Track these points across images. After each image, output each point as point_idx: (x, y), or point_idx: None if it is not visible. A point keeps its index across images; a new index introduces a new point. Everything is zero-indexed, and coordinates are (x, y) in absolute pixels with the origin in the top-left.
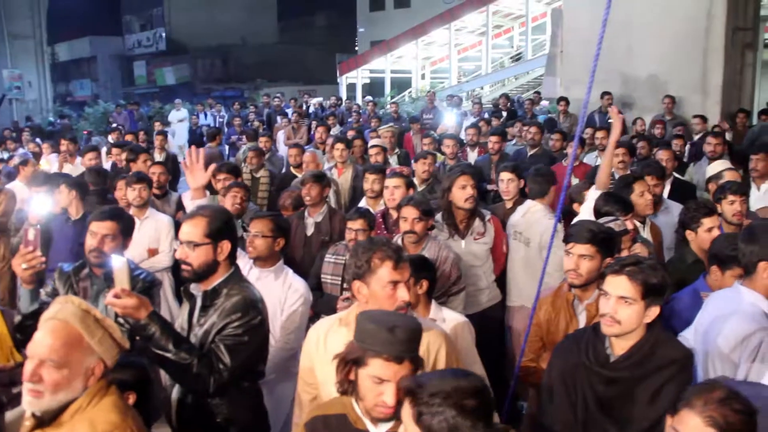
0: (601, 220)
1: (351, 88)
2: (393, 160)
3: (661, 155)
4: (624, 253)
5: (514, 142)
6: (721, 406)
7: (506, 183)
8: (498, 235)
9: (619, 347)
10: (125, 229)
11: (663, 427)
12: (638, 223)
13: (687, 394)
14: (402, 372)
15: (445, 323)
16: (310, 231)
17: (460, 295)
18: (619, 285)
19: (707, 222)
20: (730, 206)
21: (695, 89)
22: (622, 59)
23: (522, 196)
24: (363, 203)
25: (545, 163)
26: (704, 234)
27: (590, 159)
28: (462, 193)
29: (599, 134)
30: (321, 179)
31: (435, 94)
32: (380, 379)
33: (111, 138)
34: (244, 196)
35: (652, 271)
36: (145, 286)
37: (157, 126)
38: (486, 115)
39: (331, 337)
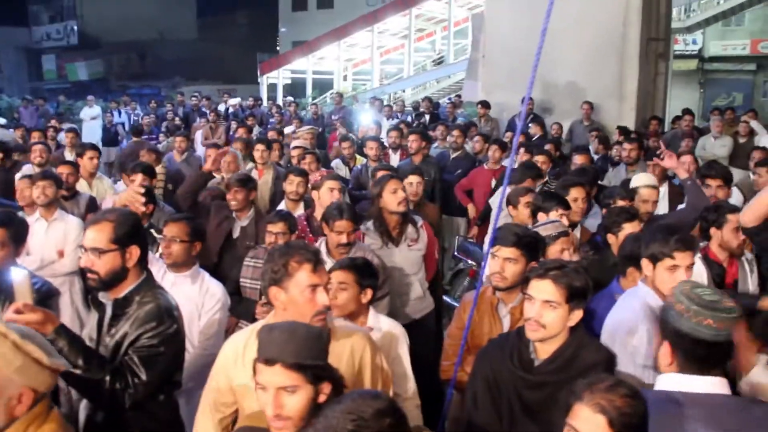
0: (539, 224)
1: (272, 88)
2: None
3: (577, 160)
4: (565, 255)
5: (436, 144)
6: (607, 393)
7: (415, 185)
8: (431, 242)
9: (543, 351)
10: (15, 235)
11: None
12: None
13: (577, 390)
14: (280, 378)
15: (382, 331)
16: (236, 234)
17: (384, 300)
18: (543, 289)
19: (628, 227)
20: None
21: (612, 96)
22: (543, 66)
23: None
24: (282, 206)
25: (467, 165)
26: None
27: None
28: (394, 197)
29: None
30: (246, 183)
31: (342, 96)
32: (261, 386)
33: (17, 134)
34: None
35: (576, 274)
36: (40, 297)
37: (54, 123)
38: (408, 118)
39: (249, 350)
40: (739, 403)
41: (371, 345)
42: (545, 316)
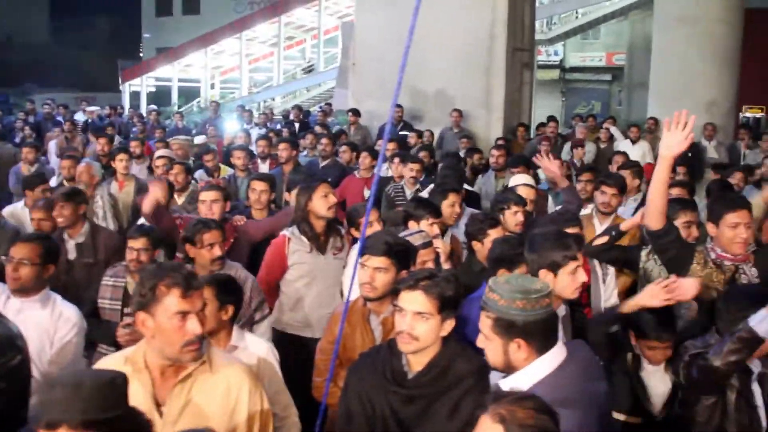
0: (406, 232)
1: (135, 96)
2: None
3: (411, 167)
4: (428, 265)
5: (305, 153)
6: (512, 404)
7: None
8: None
9: (416, 363)
10: None
11: None
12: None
13: (485, 401)
14: None
15: (247, 350)
16: (72, 255)
17: (264, 322)
18: (414, 300)
19: (493, 233)
20: (513, 216)
21: (480, 104)
22: (412, 74)
23: None
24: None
25: (337, 174)
26: (490, 244)
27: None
28: (324, 201)
29: (390, 146)
30: (73, 197)
31: (219, 104)
32: None
33: None
34: None
35: (447, 283)
36: None
37: None
38: (278, 126)
39: None
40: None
41: (251, 381)
42: (417, 327)
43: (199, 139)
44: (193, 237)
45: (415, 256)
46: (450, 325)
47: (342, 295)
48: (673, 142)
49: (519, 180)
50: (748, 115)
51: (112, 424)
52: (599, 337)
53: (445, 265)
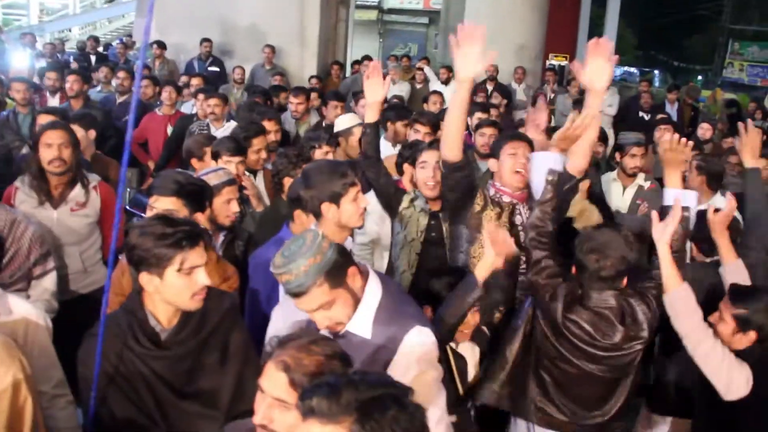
0: (204, 171)
1: None
2: None
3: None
4: (232, 205)
5: (99, 88)
6: (298, 351)
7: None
8: (106, 205)
9: (166, 320)
10: None
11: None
12: (249, 174)
13: (271, 347)
14: None
15: (12, 316)
16: None
17: (47, 278)
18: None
19: (296, 174)
20: (324, 156)
21: (294, 40)
22: (223, 5)
23: None
24: None
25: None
26: None
27: (187, 107)
28: (48, 152)
29: (194, 81)
30: None
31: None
32: None
33: None
34: None
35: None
36: None
37: None
38: (71, 59)
39: None
40: None
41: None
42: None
43: None
44: None
45: (212, 196)
46: None
47: None
48: (468, 61)
49: (349, 121)
50: (554, 62)
51: None
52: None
53: (258, 208)
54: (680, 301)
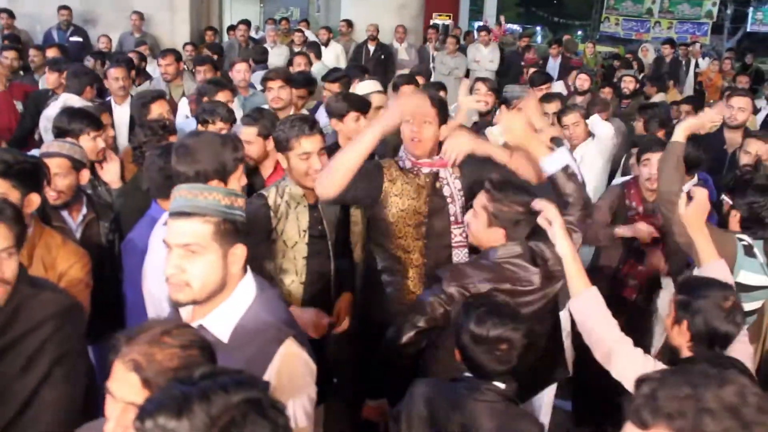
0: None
1: None
2: None
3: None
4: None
5: None
6: (150, 346)
7: None
8: None
9: None
10: None
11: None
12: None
13: (117, 343)
14: None
15: None
16: None
17: None
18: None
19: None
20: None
21: (163, 6)
22: None
23: None
24: None
25: None
26: None
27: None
28: None
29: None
30: None
31: None
32: None
33: None
34: None
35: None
36: None
37: None
38: None
39: None
40: None
41: None
42: None
43: None
44: None
45: (48, 175)
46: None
47: None
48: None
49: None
50: (438, 21)
51: None
52: None
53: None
54: (590, 307)
